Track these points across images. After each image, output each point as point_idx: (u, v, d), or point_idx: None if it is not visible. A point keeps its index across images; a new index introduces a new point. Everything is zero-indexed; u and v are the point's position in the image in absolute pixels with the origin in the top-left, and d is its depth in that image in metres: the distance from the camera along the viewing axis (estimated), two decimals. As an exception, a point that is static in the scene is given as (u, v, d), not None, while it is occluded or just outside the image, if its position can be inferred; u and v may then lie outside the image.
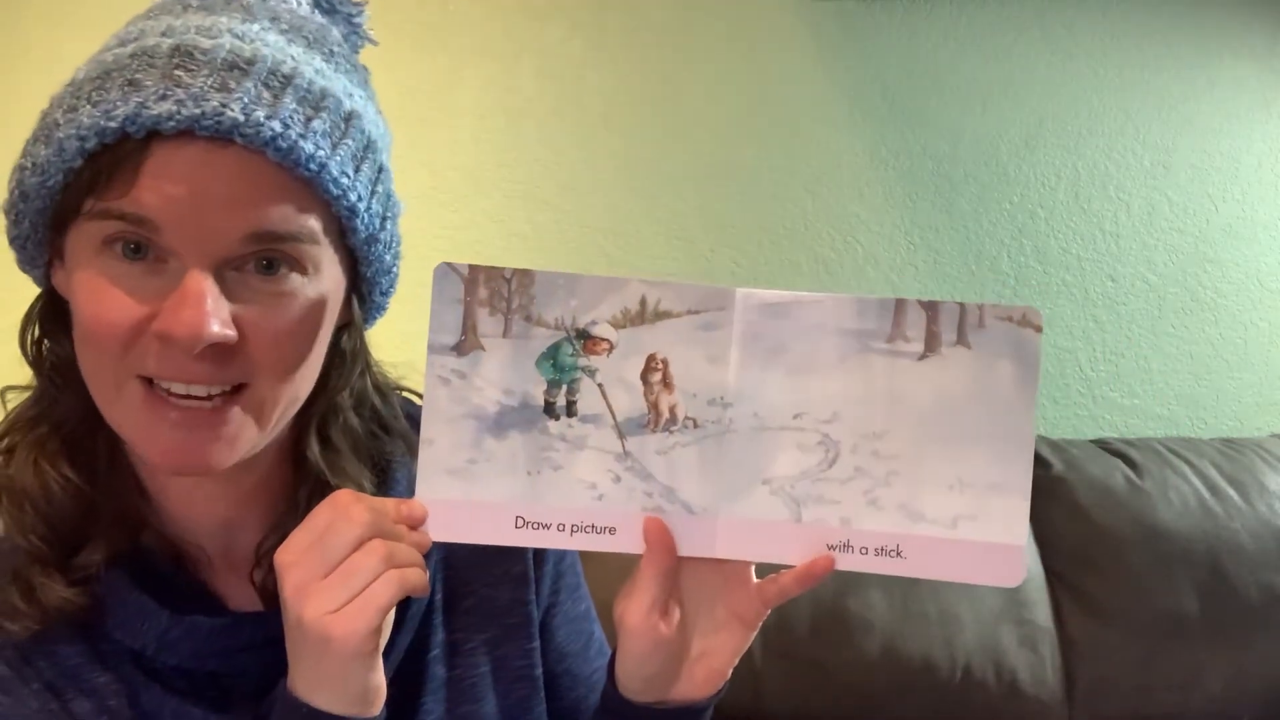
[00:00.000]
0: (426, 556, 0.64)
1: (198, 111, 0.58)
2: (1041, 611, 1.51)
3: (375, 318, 0.73)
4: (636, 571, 0.67)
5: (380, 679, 0.62)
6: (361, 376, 0.73)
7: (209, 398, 0.62)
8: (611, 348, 0.66)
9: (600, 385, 0.66)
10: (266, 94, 0.59)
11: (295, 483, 0.71)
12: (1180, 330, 1.89)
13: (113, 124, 0.58)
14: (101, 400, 0.64)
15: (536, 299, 0.65)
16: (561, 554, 0.82)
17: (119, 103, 0.58)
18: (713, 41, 1.68)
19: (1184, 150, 1.86)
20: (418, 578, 0.61)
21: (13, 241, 0.65)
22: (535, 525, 0.65)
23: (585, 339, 0.66)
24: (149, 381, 0.61)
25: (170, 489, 0.69)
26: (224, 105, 0.58)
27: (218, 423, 0.62)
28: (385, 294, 0.72)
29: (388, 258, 0.69)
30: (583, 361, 0.66)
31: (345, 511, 0.61)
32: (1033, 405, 0.64)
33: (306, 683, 0.61)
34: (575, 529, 0.65)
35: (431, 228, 1.60)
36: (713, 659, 0.69)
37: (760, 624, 0.68)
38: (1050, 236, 1.83)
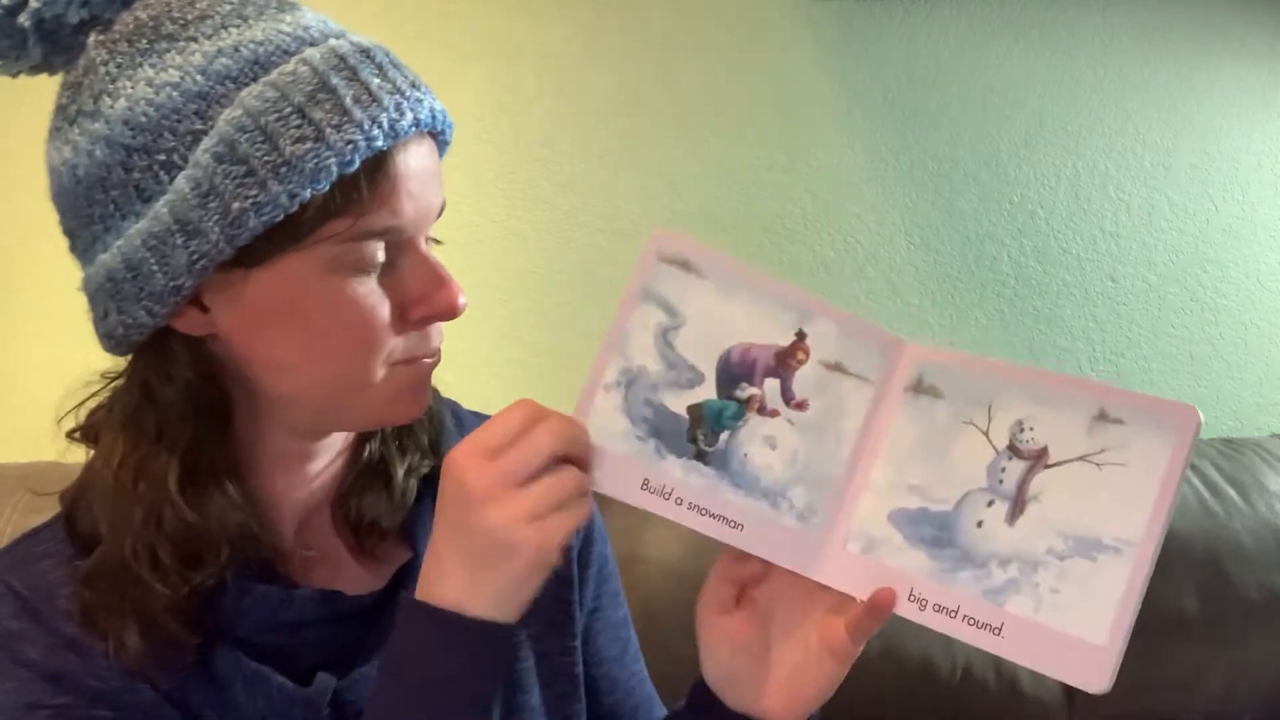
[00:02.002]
0: None
1: (424, 114, 0.63)
2: (1041, 611, 1.51)
3: None
4: (715, 569, 0.69)
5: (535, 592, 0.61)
6: None
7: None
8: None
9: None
10: (418, 83, 0.65)
11: (357, 446, 0.75)
12: (1180, 330, 1.89)
13: (376, 143, 0.60)
14: (340, 400, 0.66)
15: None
16: (604, 560, 0.84)
17: (368, 122, 0.60)
18: (713, 41, 1.68)
19: (1184, 150, 1.86)
20: (589, 506, 0.62)
21: (166, 295, 0.61)
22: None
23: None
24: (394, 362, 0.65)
25: (278, 472, 0.71)
26: (430, 103, 0.64)
27: (432, 369, 0.69)
28: None
29: None
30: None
31: (547, 423, 0.59)
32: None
33: (466, 590, 0.59)
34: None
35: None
36: (802, 686, 0.68)
37: (850, 661, 0.67)
38: (1050, 236, 1.83)
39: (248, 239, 0.59)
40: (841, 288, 1.76)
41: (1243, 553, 1.54)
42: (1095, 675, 0.62)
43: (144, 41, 0.62)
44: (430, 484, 0.75)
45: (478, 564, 0.58)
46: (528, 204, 1.64)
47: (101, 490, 0.66)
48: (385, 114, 0.60)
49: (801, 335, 0.67)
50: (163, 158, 0.61)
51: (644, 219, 1.68)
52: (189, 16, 0.63)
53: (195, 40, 0.62)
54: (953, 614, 0.64)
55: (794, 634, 0.68)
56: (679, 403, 0.66)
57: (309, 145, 0.59)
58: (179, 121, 0.60)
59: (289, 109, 0.59)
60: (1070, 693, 1.51)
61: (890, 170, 1.76)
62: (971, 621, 0.63)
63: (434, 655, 0.60)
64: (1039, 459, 0.63)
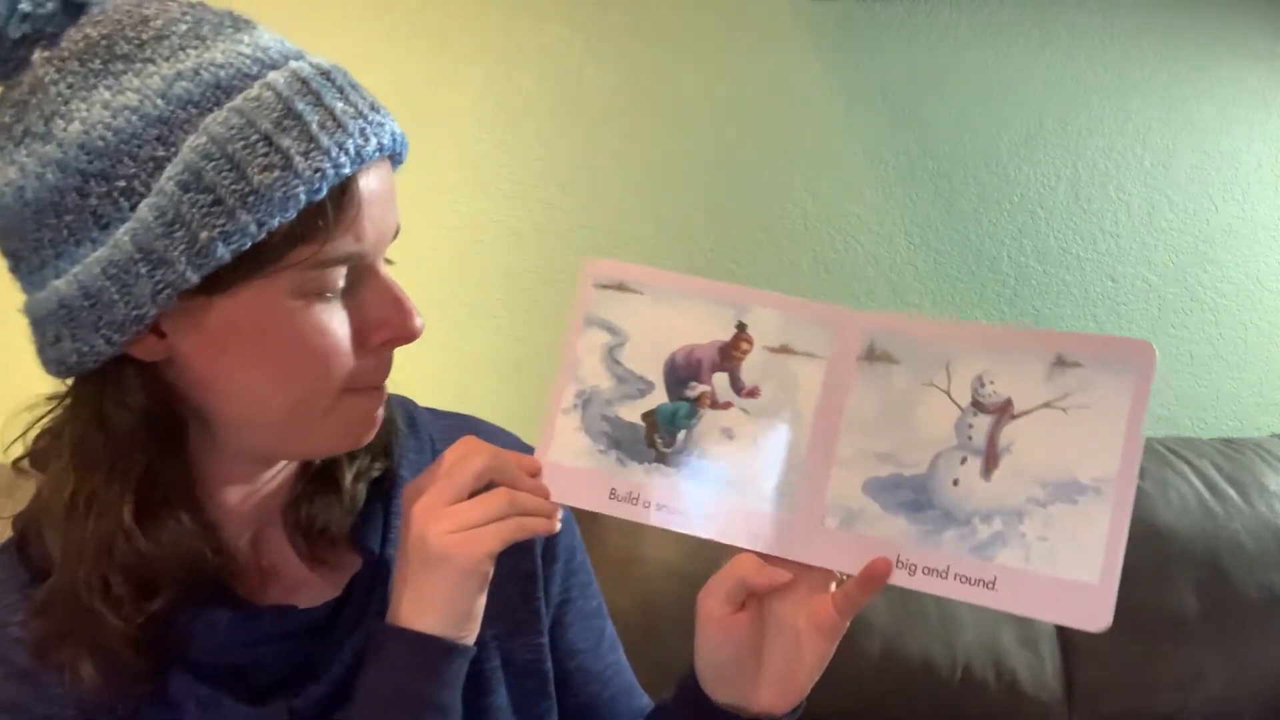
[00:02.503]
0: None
1: (385, 138, 0.63)
2: (1041, 611, 1.51)
3: None
4: (726, 564, 0.68)
5: (480, 610, 0.66)
6: None
7: None
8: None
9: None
10: (377, 105, 0.64)
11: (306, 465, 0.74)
12: (1180, 330, 1.89)
13: (344, 170, 0.60)
14: (297, 427, 0.66)
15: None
16: (572, 552, 0.83)
17: (335, 148, 0.59)
18: (713, 41, 1.68)
19: (1184, 150, 1.86)
20: (539, 524, 0.66)
21: (126, 325, 0.60)
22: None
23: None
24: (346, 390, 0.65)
25: (229, 490, 0.70)
26: (391, 126, 0.64)
27: (383, 397, 0.70)
28: None
29: None
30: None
31: (474, 448, 0.66)
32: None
33: (413, 605, 0.64)
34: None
35: (431, 228, 1.60)
36: (794, 672, 0.68)
37: (839, 637, 0.68)
38: (1050, 236, 1.83)
39: (214, 268, 0.58)
40: (841, 288, 1.76)
41: (1243, 553, 1.54)
42: (1095, 615, 0.62)
43: (97, 62, 0.60)
44: (379, 487, 0.75)
45: (422, 577, 0.64)
46: (528, 204, 1.64)
47: (51, 520, 0.65)
48: (351, 140, 0.60)
49: (742, 326, 0.69)
50: (123, 184, 0.59)
51: (644, 219, 1.68)
52: (144, 36, 0.61)
53: (152, 62, 0.60)
54: (943, 575, 0.64)
55: (784, 621, 0.68)
56: (633, 412, 0.69)
57: (277, 174, 0.58)
58: (139, 147, 0.59)
59: (256, 136, 0.58)
60: (1070, 692, 1.51)
61: (890, 170, 1.76)
62: (963, 579, 0.63)
63: (392, 670, 0.65)
64: (1004, 411, 0.64)
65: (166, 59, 0.60)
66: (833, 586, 0.67)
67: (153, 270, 0.59)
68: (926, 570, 0.64)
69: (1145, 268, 1.87)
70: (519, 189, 1.64)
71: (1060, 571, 0.62)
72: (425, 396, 0.82)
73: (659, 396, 0.69)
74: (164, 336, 0.62)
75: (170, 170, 0.58)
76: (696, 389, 0.69)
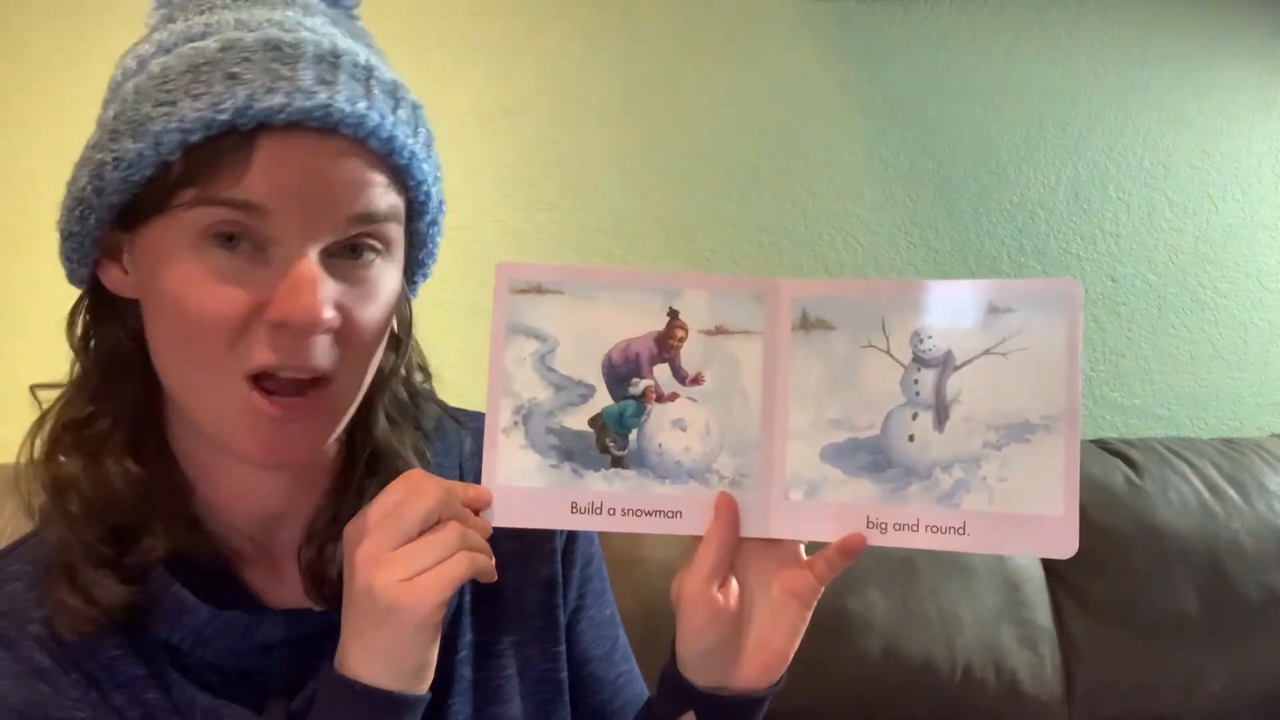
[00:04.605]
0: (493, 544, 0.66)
1: (309, 104, 0.60)
2: (1041, 611, 1.51)
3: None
4: (698, 546, 0.68)
5: (434, 656, 0.63)
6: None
7: (302, 393, 0.63)
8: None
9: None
10: (359, 86, 0.62)
11: (341, 466, 0.72)
12: (1180, 330, 1.89)
13: (222, 116, 0.59)
14: (195, 397, 0.64)
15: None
16: (589, 558, 0.83)
17: (225, 95, 0.59)
18: (713, 41, 1.68)
19: (1184, 150, 1.86)
20: (485, 562, 0.62)
21: (69, 238, 0.65)
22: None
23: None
24: (253, 380, 0.62)
25: (222, 483, 0.70)
26: (330, 99, 0.60)
27: (308, 416, 0.64)
28: (421, 279, 0.75)
29: (437, 241, 0.73)
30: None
31: (418, 487, 0.62)
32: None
33: (361, 657, 0.61)
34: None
35: (431, 228, 1.60)
36: (772, 642, 0.69)
37: (815, 602, 0.69)
38: (1050, 236, 1.83)
39: (113, 194, 0.61)
40: (841, 288, 1.76)
41: (1243, 553, 1.54)
42: (1063, 543, 0.64)
43: (165, 9, 0.66)
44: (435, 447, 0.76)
45: (369, 628, 0.61)
46: (528, 204, 1.64)
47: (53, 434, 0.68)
48: (246, 90, 0.59)
49: (674, 313, 0.67)
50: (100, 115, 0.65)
51: (644, 219, 1.68)
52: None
53: (182, 16, 0.65)
54: (914, 528, 0.65)
55: (757, 596, 0.69)
56: (579, 420, 0.67)
57: (163, 109, 0.59)
58: (117, 86, 0.65)
59: (171, 76, 0.60)
60: (1070, 692, 1.51)
61: (890, 170, 1.76)
62: (934, 529, 0.65)
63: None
64: (946, 363, 0.66)
65: (194, 14, 0.65)
66: (802, 549, 0.69)
67: (71, 186, 0.64)
68: (898, 526, 0.66)
69: (1145, 268, 1.87)
70: (519, 189, 1.64)
71: (1025, 508, 0.64)
72: (425, 396, 0.82)
73: (602, 399, 0.67)
74: (128, 273, 0.66)
75: (111, 99, 0.64)
76: (640, 385, 0.67)
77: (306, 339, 0.61)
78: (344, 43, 0.64)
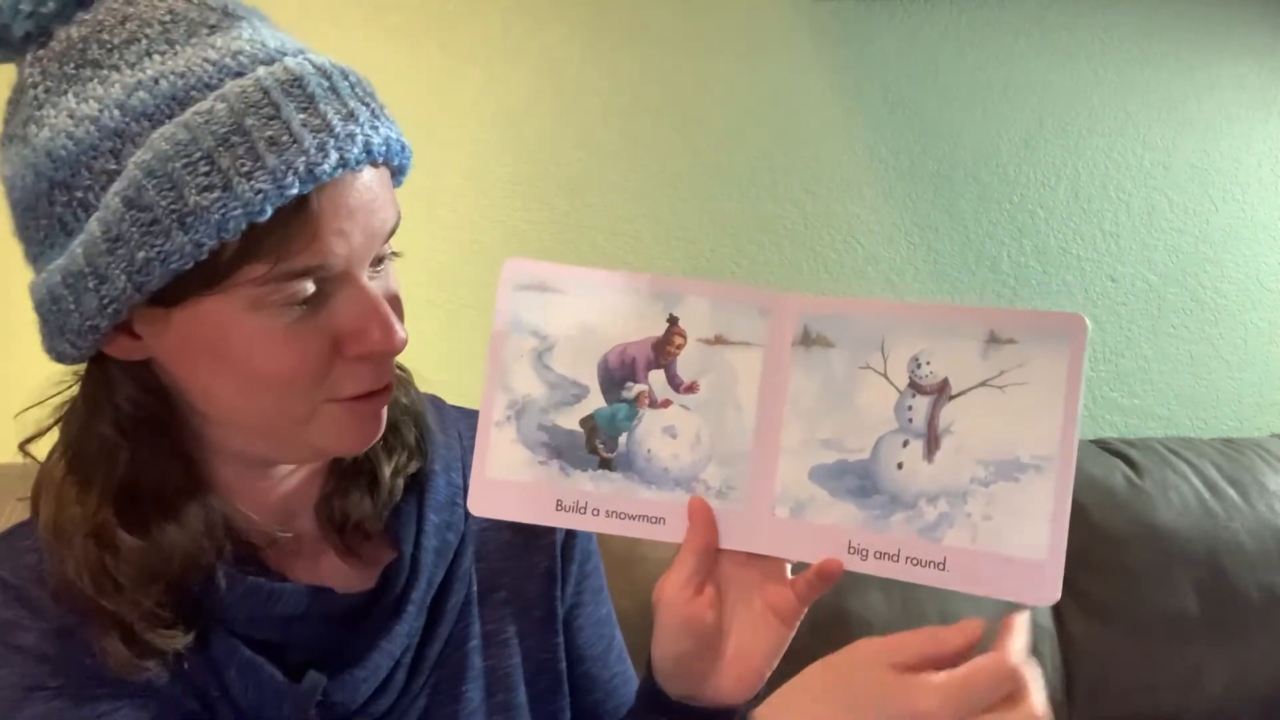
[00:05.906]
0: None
1: (355, 151, 0.59)
2: (1041, 611, 1.51)
3: None
4: (679, 550, 0.68)
5: None
6: None
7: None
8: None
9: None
10: (364, 109, 0.61)
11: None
12: (1180, 330, 1.89)
13: (290, 191, 0.56)
14: (279, 433, 0.65)
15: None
16: (587, 555, 0.83)
17: (282, 168, 0.56)
18: (712, 41, 1.68)
19: (1184, 150, 1.86)
20: None
21: (85, 333, 0.61)
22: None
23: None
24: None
25: (252, 487, 0.70)
26: (365, 135, 0.60)
27: (383, 403, 0.67)
28: None
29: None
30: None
31: (1006, 670, 0.61)
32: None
33: None
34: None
35: (431, 227, 1.60)
36: (750, 656, 0.68)
37: (797, 623, 0.68)
38: (1050, 236, 1.83)
39: (157, 285, 0.58)
40: (841, 288, 1.76)
41: (1243, 553, 1.54)
42: (1043, 590, 0.62)
43: (71, 66, 0.60)
44: (413, 481, 0.75)
45: None
46: (528, 204, 1.64)
47: (45, 520, 0.66)
48: (303, 158, 0.57)
49: (673, 320, 0.67)
50: (80, 195, 0.59)
51: (644, 219, 1.68)
52: (116, 40, 0.60)
53: (118, 69, 0.59)
54: (894, 558, 0.64)
55: (738, 609, 0.68)
56: (570, 419, 0.67)
57: (215, 195, 0.55)
58: (94, 159, 0.58)
59: (198, 154, 0.56)
60: (1070, 692, 1.50)
61: (890, 170, 1.76)
62: (914, 561, 0.64)
63: None
64: (942, 392, 0.64)
65: (131, 66, 0.59)
66: (788, 569, 0.68)
67: (99, 285, 0.58)
68: (878, 554, 0.64)
69: (1145, 268, 1.87)
70: (519, 189, 1.64)
71: (1007, 549, 0.62)
72: (425, 396, 0.82)
73: (595, 400, 0.67)
74: (139, 338, 0.63)
75: (116, 185, 0.58)
76: (634, 389, 0.67)
77: (389, 360, 0.64)
78: (327, 61, 0.62)
